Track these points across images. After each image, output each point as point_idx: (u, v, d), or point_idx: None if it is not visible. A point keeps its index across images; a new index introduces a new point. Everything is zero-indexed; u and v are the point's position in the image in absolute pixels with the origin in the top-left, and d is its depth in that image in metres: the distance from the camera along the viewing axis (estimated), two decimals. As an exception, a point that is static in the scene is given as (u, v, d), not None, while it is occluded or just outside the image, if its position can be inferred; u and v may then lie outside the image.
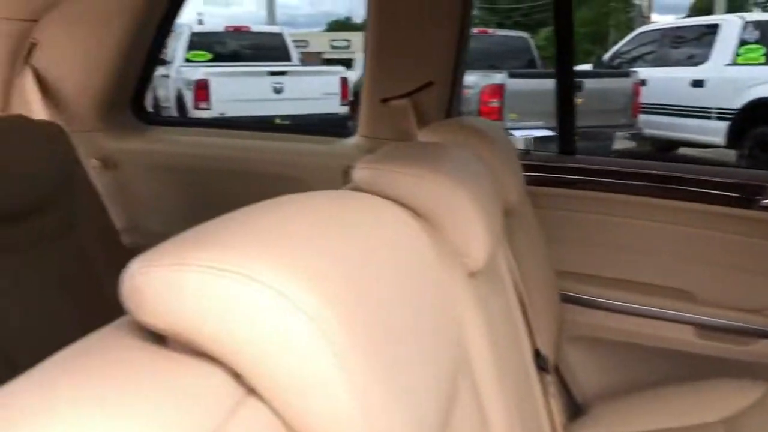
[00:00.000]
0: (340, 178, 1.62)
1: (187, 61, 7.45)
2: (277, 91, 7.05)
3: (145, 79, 1.83)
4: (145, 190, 1.79)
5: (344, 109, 7.21)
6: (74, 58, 1.62)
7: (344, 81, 7.38)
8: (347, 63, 9.41)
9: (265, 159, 1.68)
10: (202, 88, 6.74)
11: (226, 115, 6.66)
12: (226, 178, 1.70)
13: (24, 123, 1.38)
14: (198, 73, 6.86)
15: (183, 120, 1.95)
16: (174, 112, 7.31)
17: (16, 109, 1.52)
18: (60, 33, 1.56)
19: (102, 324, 0.42)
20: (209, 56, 7.61)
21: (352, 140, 1.67)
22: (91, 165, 1.76)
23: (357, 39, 16.22)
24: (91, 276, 1.46)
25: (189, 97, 6.92)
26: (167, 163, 1.74)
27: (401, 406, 0.43)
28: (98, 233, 1.53)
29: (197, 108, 6.71)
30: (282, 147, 1.70)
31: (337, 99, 7.30)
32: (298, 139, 1.73)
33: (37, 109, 1.50)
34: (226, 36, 8.02)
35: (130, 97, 1.81)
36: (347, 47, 18.58)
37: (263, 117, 6.60)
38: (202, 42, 7.67)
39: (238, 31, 8.05)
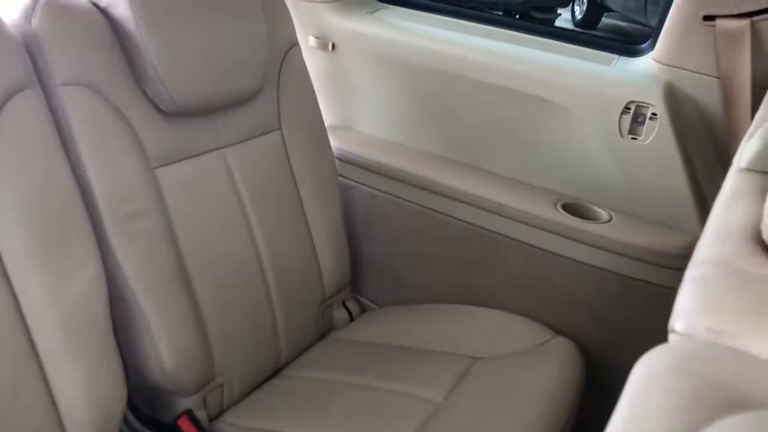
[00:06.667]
0: (618, 116, 1.20)
1: None
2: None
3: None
4: (362, 84, 1.49)
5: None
6: None
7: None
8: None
9: (518, 71, 1.28)
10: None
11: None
12: (465, 87, 1.35)
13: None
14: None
15: (424, 3, 1.56)
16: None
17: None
18: None
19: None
20: None
21: (641, 63, 1.23)
22: (309, 44, 1.48)
23: None
24: (290, 179, 1.22)
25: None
26: (395, 55, 1.40)
27: None
28: (304, 130, 1.28)
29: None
30: (542, 59, 1.29)
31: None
32: (565, 50, 1.31)
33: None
34: None
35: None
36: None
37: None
38: None
39: None
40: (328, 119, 1.40)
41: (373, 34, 1.42)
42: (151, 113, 1.02)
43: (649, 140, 1.19)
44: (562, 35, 1.36)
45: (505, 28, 1.40)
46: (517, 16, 6.44)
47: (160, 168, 1.03)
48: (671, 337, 0.41)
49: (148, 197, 1.01)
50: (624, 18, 7.08)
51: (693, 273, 0.45)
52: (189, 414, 1.05)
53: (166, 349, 1.01)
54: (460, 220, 1.36)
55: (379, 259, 1.49)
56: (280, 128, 1.23)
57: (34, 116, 0.87)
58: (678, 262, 1.15)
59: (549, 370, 1.16)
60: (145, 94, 1.01)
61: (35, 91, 0.88)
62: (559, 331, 1.28)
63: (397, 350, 1.25)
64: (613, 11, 6.93)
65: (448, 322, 1.33)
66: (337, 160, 1.40)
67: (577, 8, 7.27)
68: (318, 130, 1.32)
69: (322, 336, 1.35)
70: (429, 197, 1.38)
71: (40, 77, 0.90)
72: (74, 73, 0.93)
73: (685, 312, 0.41)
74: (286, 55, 1.25)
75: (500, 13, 6.37)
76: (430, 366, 1.18)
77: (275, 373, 1.24)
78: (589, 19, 7.19)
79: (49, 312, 0.85)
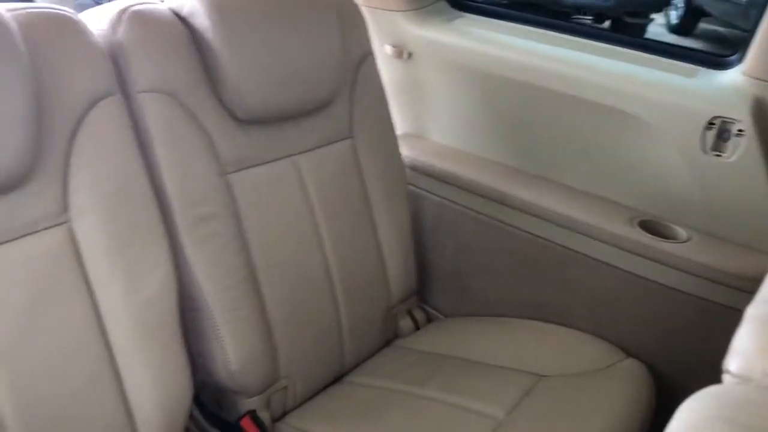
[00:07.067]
0: (701, 132, 1.15)
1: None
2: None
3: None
4: (436, 92, 1.48)
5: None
6: None
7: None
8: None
9: (597, 83, 1.25)
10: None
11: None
12: (542, 98, 1.32)
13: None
14: None
15: (504, 12, 1.54)
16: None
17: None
18: None
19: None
20: None
21: (727, 76, 1.17)
22: (385, 52, 1.49)
23: None
24: (360, 186, 1.23)
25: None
26: (472, 64, 1.39)
27: None
28: (375, 139, 1.29)
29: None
30: (622, 70, 1.25)
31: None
32: (647, 61, 1.26)
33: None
34: None
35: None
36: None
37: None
38: None
39: None
40: (399, 127, 1.41)
41: (451, 43, 1.42)
42: (226, 120, 1.05)
43: (734, 158, 1.13)
44: (645, 45, 1.31)
45: (585, 38, 1.36)
46: (609, 22, 6.25)
47: (233, 173, 1.06)
48: (725, 377, 0.39)
49: (221, 202, 1.04)
50: (723, 23, 6.74)
51: (755, 311, 0.43)
52: (252, 414, 1.08)
53: (232, 351, 1.04)
54: (531, 233, 1.33)
55: (446, 269, 1.49)
56: (351, 136, 1.25)
57: (115, 122, 0.92)
58: (758, 287, 1.09)
59: (617, 392, 1.12)
60: (220, 101, 1.04)
61: (118, 98, 0.93)
62: (629, 353, 1.23)
63: (461, 362, 1.24)
64: (711, 16, 6.60)
65: (514, 336, 1.31)
66: (407, 169, 1.41)
67: (672, 13, 6.95)
68: (389, 139, 1.33)
69: (386, 343, 1.36)
70: (499, 209, 1.36)
71: (122, 85, 0.95)
72: (155, 81, 0.97)
73: (742, 352, 0.39)
74: (360, 64, 1.26)
75: (590, 18, 6.20)
76: (493, 381, 1.16)
77: (338, 378, 1.25)
78: (686, 24, 6.84)
79: (123, 310, 0.90)
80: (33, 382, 0.82)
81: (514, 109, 1.38)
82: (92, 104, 0.89)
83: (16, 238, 0.83)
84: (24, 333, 0.82)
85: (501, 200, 1.36)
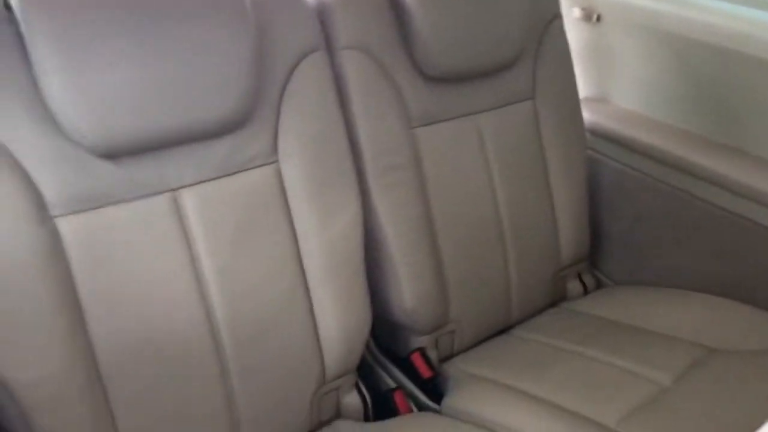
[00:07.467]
0: None
1: None
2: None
3: None
4: (624, 56, 1.45)
5: None
6: None
7: None
8: None
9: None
10: None
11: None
12: (742, 65, 1.25)
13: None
14: None
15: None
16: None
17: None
18: None
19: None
20: None
21: None
22: (573, 15, 1.48)
23: None
24: (538, 148, 1.25)
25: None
26: (666, 28, 1.35)
27: None
28: (557, 101, 1.30)
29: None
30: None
31: None
32: None
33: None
34: None
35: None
36: None
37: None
38: None
39: None
40: (582, 91, 1.40)
41: (644, 6, 1.38)
42: (415, 77, 1.13)
43: None
44: None
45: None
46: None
47: (419, 128, 1.14)
48: None
49: (407, 153, 1.12)
50: None
51: None
52: (422, 351, 1.17)
53: (408, 290, 1.13)
54: (716, 205, 1.28)
55: (621, 236, 1.47)
56: (533, 98, 1.27)
57: (320, 75, 1.02)
58: None
59: (799, 375, 1.06)
60: (412, 58, 1.12)
61: (322, 54, 1.03)
62: (816, 337, 1.16)
63: (629, 329, 1.23)
64: None
65: (687, 308, 1.27)
66: (587, 133, 1.40)
67: None
68: (571, 102, 1.33)
69: (553, 304, 1.38)
70: (684, 179, 1.32)
71: (327, 41, 1.05)
72: (355, 38, 1.06)
73: None
74: (548, 25, 1.27)
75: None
76: (661, 349, 1.15)
77: (504, 330, 1.30)
78: None
79: (317, 244, 1.01)
80: (241, 302, 0.95)
81: (709, 75, 1.32)
82: (301, 58, 1.00)
83: (234, 173, 0.95)
84: (235, 257, 0.95)
85: (686, 169, 1.31)
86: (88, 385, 0.82)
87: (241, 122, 0.94)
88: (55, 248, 0.80)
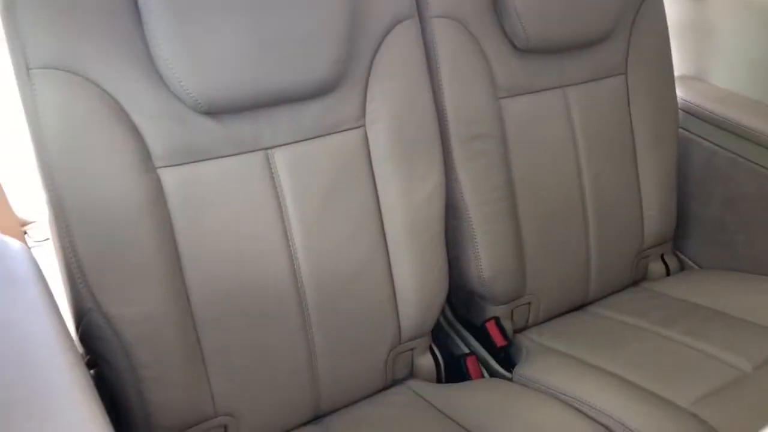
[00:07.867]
0: None
1: None
2: None
3: None
4: (726, 34, 1.39)
5: None
6: None
7: None
8: None
9: None
10: None
11: None
12: None
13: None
14: None
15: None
16: None
17: None
18: None
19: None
20: None
21: None
22: (673, -12, 1.43)
23: None
24: (627, 125, 1.25)
25: None
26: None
27: None
28: (650, 78, 1.27)
29: None
30: None
31: None
32: None
33: None
34: None
35: None
36: None
37: None
38: None
39: None
40: (676, 68, 1.36)
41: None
42: (505, 47, 1.13)
43: None
44: None
45: None
46: None
47: (506, 99, 1.14)
48: None
49: (492, 124, 1.13)
50: None
51: None
52: (497, 320, 1.18)
53: (486, 260, 1.14)
54: (815, 191, 1.22)
55: (709, 219, 1.42)
56: (625, 73, 1.25)
57: (410, 43, 1.04)
58: None
59: None
60: (502, 29, 1.12)
61: (414, 22, 1.05)
62: None
63: (711, 313, 1.21)
64: None
65: (776, 297, 1.23)
66: (680, 111, 1.36)
67: None
68: (665, 79, 1.30)
69: (634, 284, 1.36)
70: (782, 162, 1.27)
71: (418, 9, 1.07)
72: (447, 7, 1.08)
73: None
74: None
75: None
76: (744, 335, 1.12)
77: (581, 306, 1.30)
78: None
79: (399, 207, 1.04)
80: (324, 260, 1.00)
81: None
82: (393, 25, 1.02)
83: (324, 135, 0.99)
84: (320, 216, 0.99)
85: (784, 152, 1.26)
86: (182, 326, 0.89)
87: (332, 86, 0.97)
88: (158, 197, 0.87)
